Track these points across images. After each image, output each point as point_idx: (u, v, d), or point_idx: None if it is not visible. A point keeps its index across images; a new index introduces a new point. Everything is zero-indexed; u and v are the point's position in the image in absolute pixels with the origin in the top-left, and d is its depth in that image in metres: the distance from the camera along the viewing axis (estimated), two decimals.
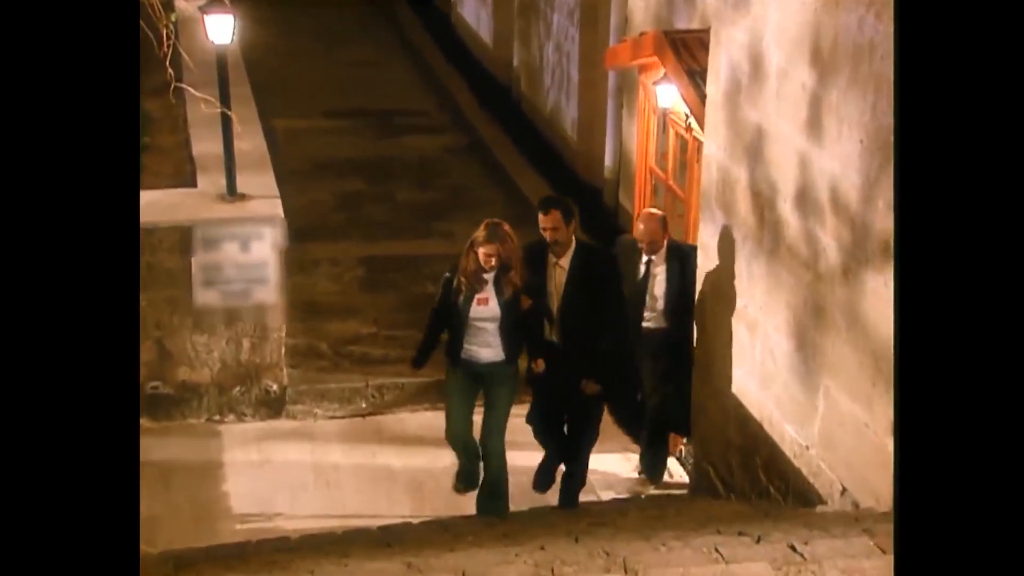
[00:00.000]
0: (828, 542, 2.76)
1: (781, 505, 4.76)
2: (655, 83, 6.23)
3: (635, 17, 7.98)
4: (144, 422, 6.71)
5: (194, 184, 7.02)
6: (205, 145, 7.37)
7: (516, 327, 5.45)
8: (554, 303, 5.55)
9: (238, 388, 6.83)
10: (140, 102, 8.58)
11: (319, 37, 13.82)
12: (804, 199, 4.48)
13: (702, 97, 5.51)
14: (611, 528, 3.93)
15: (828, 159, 4.26)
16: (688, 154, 6.12)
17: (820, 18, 4.25)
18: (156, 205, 6.75)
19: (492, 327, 5.44)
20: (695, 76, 5.70)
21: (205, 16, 6.27)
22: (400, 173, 10.22)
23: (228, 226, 6.63)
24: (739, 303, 5.11)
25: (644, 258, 5.87)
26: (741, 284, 5.08)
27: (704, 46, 5.54)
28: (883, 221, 3.91)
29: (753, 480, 5.11)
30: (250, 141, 7.37)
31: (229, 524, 5.83)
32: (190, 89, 5.29)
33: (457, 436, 5.63)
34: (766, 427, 4.93)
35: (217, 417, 6.83)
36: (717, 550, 2.61)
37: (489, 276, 5.36)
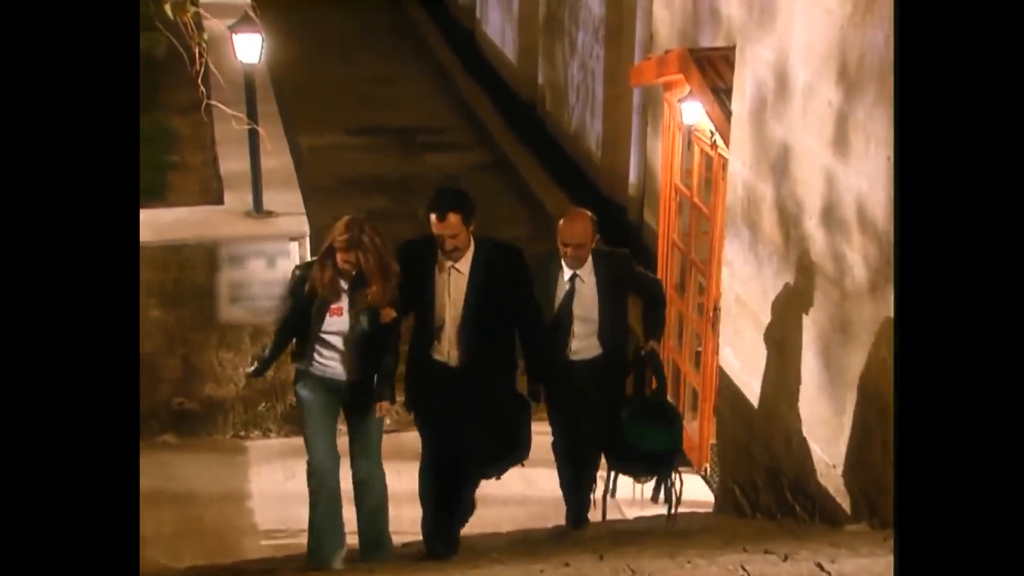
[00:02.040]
0: (855, 561, 2.74)
1: (808, 524, 4.73)
2: (680, 100, 6.23)
3: (660, 34, 8.00)
4: (170, 438, 6.75)
5: (221, 201, 7.08)
6: (232, 163, 7.43)
7: (370, 343, 4.65)
8: (446, 313, 4.62)
9: (263, 404, 6.85)
10: (167, 120, 8.69)
11: (343, 54, 13.91)
12: (830, 216, 4.46)
13: (727, 114, 5.50)
14: (636, 546, 3.92)
15: (854, 176, 4.24)
16: (713, 171, 6.11)
17: (846, 35, 4.25)
18: (184, 222, 6.81)
19: (346, 339, 4.68)
20: (720, 93, 5.70)
21: (234, 35, 6.33)
22: (424, 191, 10.22)
23: (255, 243, 6.68)
24: (764, 320, 5.09)
25: (567, 273, 4.97)
26: (767, 301, 5.07)
27: (729, 64, 5.54)
28: None
29: (779, 499, 5.07)
30: (277, 159, 7.42)
31: (254, 540, 5.84)
32: (222, 107, 5.35)
33: (323, 468, 4.79)
34: (792, 445, 4.90)
35: (242, 433, 6.86)
36: (743, 568, 2.60)
37: (346, 284, 4.61)
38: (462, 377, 4.66)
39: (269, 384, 6.81)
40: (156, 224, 6.69)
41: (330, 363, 4.73)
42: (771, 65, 4.89)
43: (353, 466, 4.88)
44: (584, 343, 5.01)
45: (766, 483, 5.19)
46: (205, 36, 4.03)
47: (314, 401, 4.80)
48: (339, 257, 4.53)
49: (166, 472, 6.31)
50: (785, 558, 2.79)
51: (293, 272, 4.92)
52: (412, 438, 5.12)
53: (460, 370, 4.66)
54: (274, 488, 6.35)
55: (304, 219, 6.86)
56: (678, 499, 5.20)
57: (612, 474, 5.28)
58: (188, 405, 6.77)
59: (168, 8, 3.85)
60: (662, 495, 5.25)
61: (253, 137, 6.64)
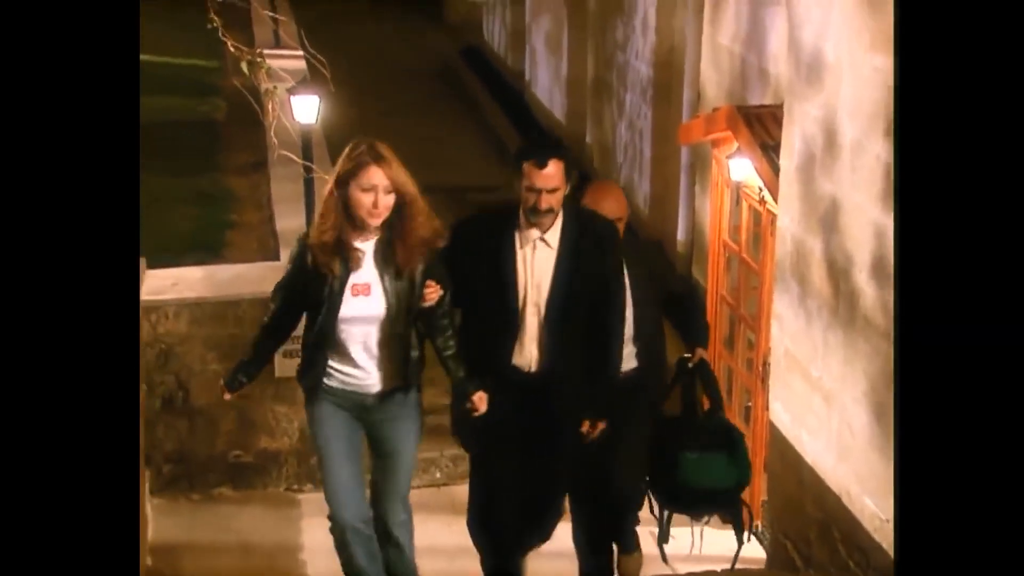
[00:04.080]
0: None
1: None
2: (728, 157, 6.31)
3: (708, 93, 8.10)
4: (225, 490, 6.85)
5: (278, 258, 7.24)
6: (288, 221, 7.61)
7: (407, 336, 3.44)
8: (527, 301, 3.65)
9: (316, 457, 6.94)
10: (226, 180, 8.93)
11: (399, 117, 14.19)
12: (880, 269, 4.49)
13: (775, 170, 5.57)
14: None
15: None
16: (762, 226, 6.17)
17: (892, 92, 4.31)
18: (241, 278, 6.96)
19: (374, 334, 3.40)
20: (768, 150, 5.78)
21: (292, 96, 6.54)
22: None
23: None
24: (814, 373, 5.10)
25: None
26: (816, 354, 5.08)
27: (777, 120, 5.62)
28: None
29: (832, 554, 5.04)
30: None
31: None
32: (292, 156, 5.50)
33: (348, 513, 3.65)
34: (844, 500, 4.88)
35: (296, 486, 6.94)
36: None
37: (367, 244, 3.36)
38: (545, 388, 3.65)
39: None
40: (214, 280, 6.86)
41: (352, 369, 3.48)
42: (819, 121, 4.96)
43: (378, 511, 3.71)
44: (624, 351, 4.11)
45: (818, 538, 5.17)
46: (277, 88, 4.20)
47: (333, 428, 3.57)
48: (356, 194, 3.26)
49: (222, 524, 6.40)
50: None
51: (294, 247, 3.58)
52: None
53: (543, 378, 3.66)
54: (326, 541, 6.35)
55: None
56: (746, 534, 4.38)
57: (664, 515, 4.32)
58: (243, 458, 6.87)
59: (245, 66, 4.04)
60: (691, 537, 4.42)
61: (308, 196, 6.80)
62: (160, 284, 6.57)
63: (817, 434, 5.13)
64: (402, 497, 3.73)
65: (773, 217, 5.78)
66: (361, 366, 3.52)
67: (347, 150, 3.48)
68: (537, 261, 3.69)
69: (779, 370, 5.53)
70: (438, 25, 17.99)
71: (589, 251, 3.73)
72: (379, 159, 3.39)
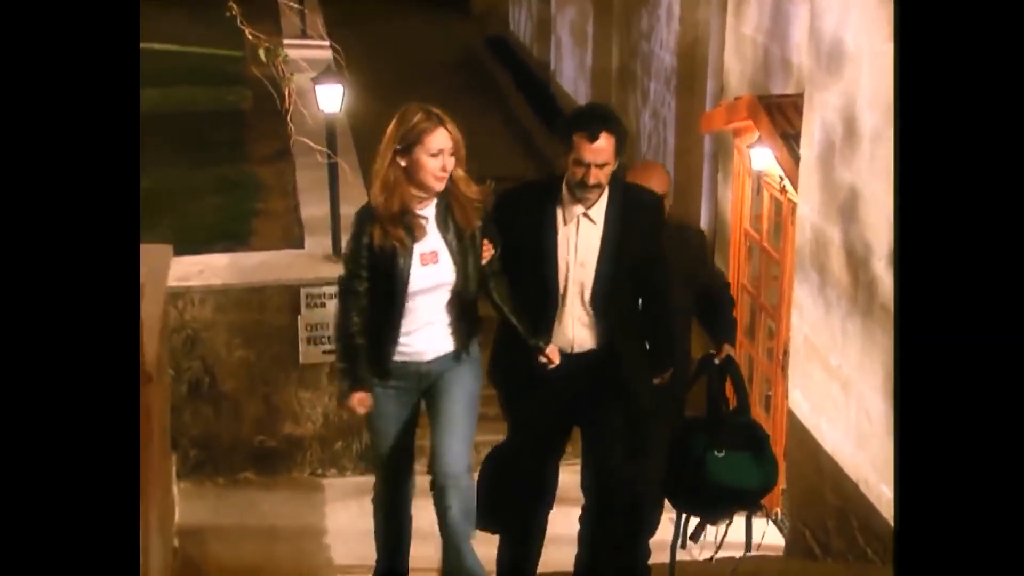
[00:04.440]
0: None
1: (879, 567, 4.72)
2: (750, 146, 6.32)
3: (731, 84, 8.11)
4: (250, 475, 6.96)
5: (302, 246, 7.33)
6: (313, 209, 7.69)
7: (472, 299, 3.41)
8: (570, 279, 3.50)
9: (340, 443, 7.03)
10: (253, 169, 9.02)
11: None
12: None
13: (796, 159, 5.58)
14: None
15: None
16: (782, 215, 6.18)
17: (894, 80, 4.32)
18: (265, 266, 7.06)
19: (442, 299, 3.36)
20: (789, 139, 5.79)
21: (316, 86, 6.60)
22: None
23: (333, 285, 6.88)
24: (833, 362, 5.13)
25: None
26: (835, 343, 5.10)
27: (797, 110, 5.63)
28: None
29: (850, 542, 5.07)
30: (355, 204, 7.65)
31: (329, 575, 5.98)
32: (308, 141, 5.53)
33: (399, 501, 3.70)
34: (862, 488, 4.90)
35: (320, 471, 7.03)
36: None
37: (428, 211, 3.33)
38: (588, 370, 3.51)
39: (345, 424, 6.98)
40: (240, 267, 6.95)
41: (415, 340, 3.39)
42: (839, 111, 4.97)
43: (437, 470, 3.48)
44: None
45: (837, 526, 5.19)
46: (293, 76, 4.24)
47: (392, 398, 3.49)
48: (424, 159, 3.20)
49: (247, 508, 6.50)
50: None
51: (355, 228, 3.36)
52: None
53: (586, 360, 3.52)
54: (349, 525, 6.48)
55: None
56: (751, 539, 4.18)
57: (683, 518, 4.12)
58: (268, 443, 6.97)
59: (262, 53, 4.10)
60: (708, 535, 4.12)
61: (332, 184, 6.88)
62: (187, 271, 6.67)
63: (836, 422, 5.15)
64: (462, 455, 3.54)
65: (793, 206, 5.80)
66: (427, 336, 3.42)
67: (403, 116, 3.36)
68: (581, 239, 3.49)
69: (798, 359, 5.55)
70: (464, 16, 18.02)
71: (637, 227, 3.53)
72: (443, 121, 3.35)
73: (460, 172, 3.39)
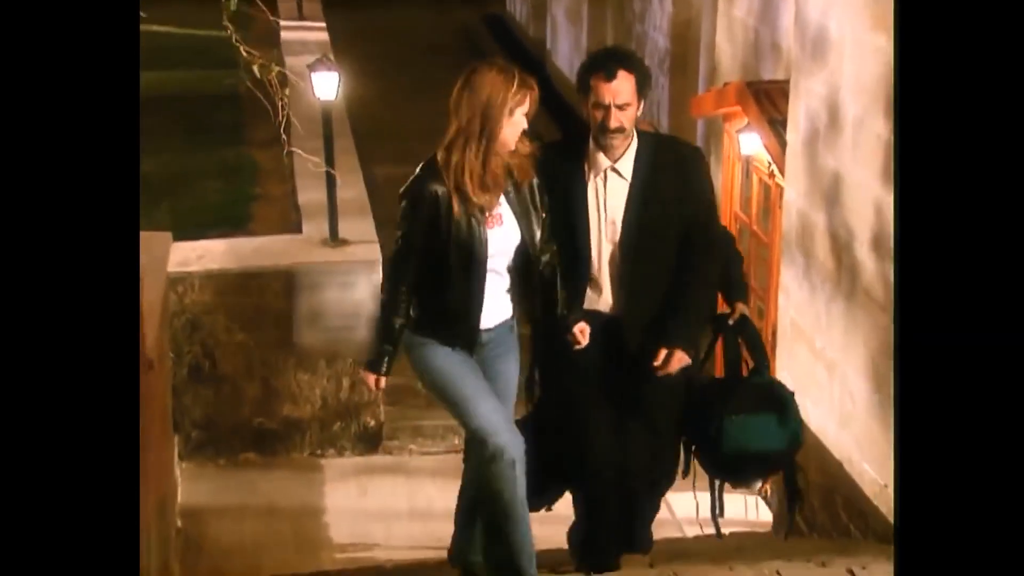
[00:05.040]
0: (886, 566, 2.88)
1: (861, 542, 4.86)
2: (739, 131, 6.42)
3: (723, 66, 8.19)
4: (250, 456, 7.09)
5: (299, 231, 7.43)
6: (310, 194, 7.79)
7: (528, 257, 3.27)
8: (601, 237, 3.38)
9: (338, 424, 7.16)
10: (251, 153, 9.10)
11: (419, 92, 14.29)
12: (880, 244, 4.61)
13: (783, 145, 5.68)
14: (687, 557, 4.09)
15: None
16: (771, 200, 6.29)
17: (893, 71, 4.42)
18: (263, 250, 7.17)
19: (503, 262, 3.23)
20: (776, 125, 5.89)
21: (312, 73, 6.69)
22: None
23: (330, 270, 7.00)
24: (818, 344, 5.25)
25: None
26: (820, 325, 5.22)
27: (785, 96, 5.72)
28: None
29: (834, 518, 5.20)
30: (352, 189, 7.76)
31: (329, 553, 6.12)
32: (303, 154, 5.62)
33: (507, 429, 3.24)
34: (845, 466, 5.03)
35: (318, 452, 7.16)
36: (778, 572, 2.77)
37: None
38: (622, 332, 3.35)
39: (343, 405, 7.11)
40: (238, 252, 7.06)
41: (480, 306, 3.24)
42: (823, 98, 5.07)
43: (500, 430, 3.25)
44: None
45: (821, 503, 5.32)
46: (287, 92, 4.34)
47: (456, 361, 3.28)
48: (509, 124, 3.11)
49: (248, 488, 6.64)
50: (823, 564, 2.94)
51: (416, 190, 3.17)
52: None
53: (620, 321, 3.35)
54: (348, 504, 6.63)
55: (377, 247, 7.17)
56: (799, 500, 4.01)
57: (716, 484, 3.88)
58: (267, 425, 7.09)
59: (256, 69, 4.19)
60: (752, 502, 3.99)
61: (329, 180, 6.96)
62: (186, 256, 6.78)
63: (820, 402, 5.27)
64: (512, 425, 3.35)
65: (781, 190, 5.90)
66: (485, 301, 3.22)
67: (493, 69, 3.21)
68: (609, 194, 3.32)
69: (785, 340, 5.67)
70: None
71: (669, 180, 3.34)
72: (533, 88, 3.21)
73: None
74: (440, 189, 3.14)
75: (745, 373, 3.81)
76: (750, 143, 6.31)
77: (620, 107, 3.28)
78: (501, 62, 3.25)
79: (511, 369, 3.36)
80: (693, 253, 3.42)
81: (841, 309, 5.00)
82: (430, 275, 3.20)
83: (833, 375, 5.12)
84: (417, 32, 16.07)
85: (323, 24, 12.22)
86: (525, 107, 3.21)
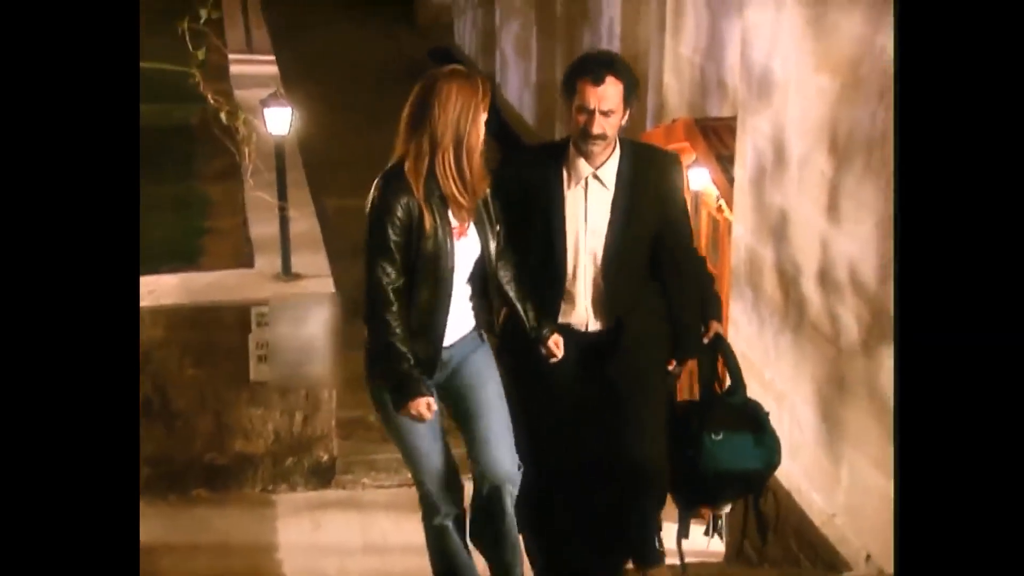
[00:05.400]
0: None
1: (811, 572, 4.94)
2: (687, 167, 6.54)
3: (670, 102, 8.34)
4: (202, 492, 7.02)
5: (251, 265, 7.41)
6: (261, 228, 7.77)
7: (484, 271, 3.18)
8: (580, 249, 3.28)
9: (291, 459, 7.13)
10: (202, 187, 9.07)
11: (370, 126, 14.33)
12: (826, 278, 4.74)
13: (731, 181, 5.81)
14: None
15: (847, 241, 4.53)
16: (719, 234, 6.40)
17: (836, 111, 4.55)
18: (215, 285, 7.13)
19: (466, 276, 3.13)
20: (724, 161, 6.02)
21: (264, 109, 6.70)
22: None
23: (283, 304, 6.99)
24: (767, 376, 5.35)
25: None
26: (768, 358, 5.32)
27: (733, 132, 5.85)
28: None
29: (785, 549, 5.29)
30: (304, 222, 7.76)
31: None
32: (267, 197, 5.59)
33: (453, 490, 3.26)
34: (795, 496, 5.13)
35: (271, 487, 7.12)
36: None
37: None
38: (605, 349, 3.26)
39: (296, 439, 7.08)
40: (190, 287, 7.03)
41: (442, 321, 3.07)
42: (769, 136, 5.20)
43: (481, 464, 3.18)
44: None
45: (772, 534, 5.41)
46: (254, 137, 4.38)
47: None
48: (474, 132, 2.99)
49: (199, 525, 6.58)
50: None
51: (380, 199, 3.10)
52: None
53: (602, 338, 3.27)
54: (301, 539, 6.59)
55: (330, 280, 7.18)
56: (766, 524, 4.04)
57: (685, 508, 3.92)
58: (219, 460, 7.04)
59: (224, 116, 4.23)
60: (714, 526, 4.04)
61: (282, 200, 6.97)
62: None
63: None
64: (505, 443, 3.18)
65: (730, 224, 6.02)
66: (448, 316, 3.09)
67: (476, 86, 3.08)
68: (590, 203, 3.22)
69: None
70: (410, 27, 18.14)
71: (650, 190, 3.27)
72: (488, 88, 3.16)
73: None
74: (410, 200, 3.06)
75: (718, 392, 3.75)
76: (699, 178, 6.43)
77: (604, 113, 3.21)
78: (459, 69, 3.16)
79: (491, 387, 3.19)
80: (678, 265, 3.39)
81: (789, 342, 5.11)
82: (408, 293, 3.09)
83: (782, 406, 5.22)
84: (365, 61, 16.15)
85: (272, 57, 12.23)
86: (486, 110, 3.15)
